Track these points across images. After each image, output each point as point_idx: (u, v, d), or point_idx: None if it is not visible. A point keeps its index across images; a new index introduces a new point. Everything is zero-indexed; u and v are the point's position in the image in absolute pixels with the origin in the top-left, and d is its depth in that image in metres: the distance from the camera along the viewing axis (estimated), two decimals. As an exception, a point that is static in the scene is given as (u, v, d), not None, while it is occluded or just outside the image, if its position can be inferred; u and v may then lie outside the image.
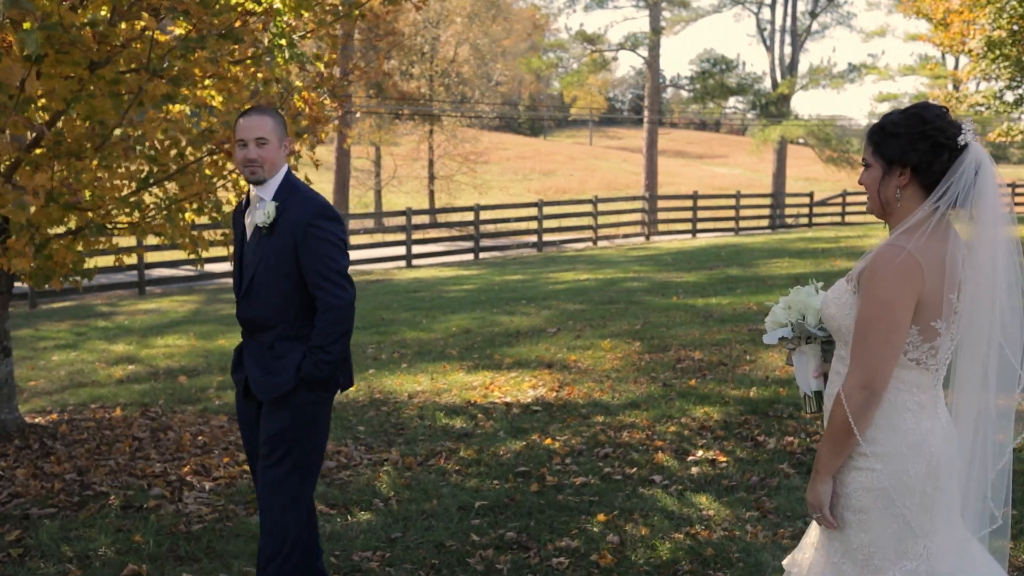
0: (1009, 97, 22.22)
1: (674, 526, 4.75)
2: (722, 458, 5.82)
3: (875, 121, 2.64)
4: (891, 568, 2.54)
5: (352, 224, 28.93)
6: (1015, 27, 20.09)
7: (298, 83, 7.09)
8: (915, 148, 2.52)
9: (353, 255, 17.50)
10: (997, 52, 20.67)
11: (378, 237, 26.31)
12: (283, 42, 7.14)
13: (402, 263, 23.21)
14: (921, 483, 2.51)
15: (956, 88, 29.65)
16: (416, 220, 26.67)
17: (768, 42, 50.36)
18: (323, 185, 40.99)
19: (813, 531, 2.75)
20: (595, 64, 47.09)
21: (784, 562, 2.86)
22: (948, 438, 2.57)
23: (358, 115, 30.79)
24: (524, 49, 63.62)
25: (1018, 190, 35.83)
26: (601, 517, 4.87)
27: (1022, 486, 5.06)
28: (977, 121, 35.41)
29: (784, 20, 48.72)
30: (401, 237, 23.89)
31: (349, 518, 5.05)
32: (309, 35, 7.52)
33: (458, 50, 46.60)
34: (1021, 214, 32.61)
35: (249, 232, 3.80)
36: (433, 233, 28.25)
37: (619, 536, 4.63)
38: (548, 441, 6.31)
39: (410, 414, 7.33)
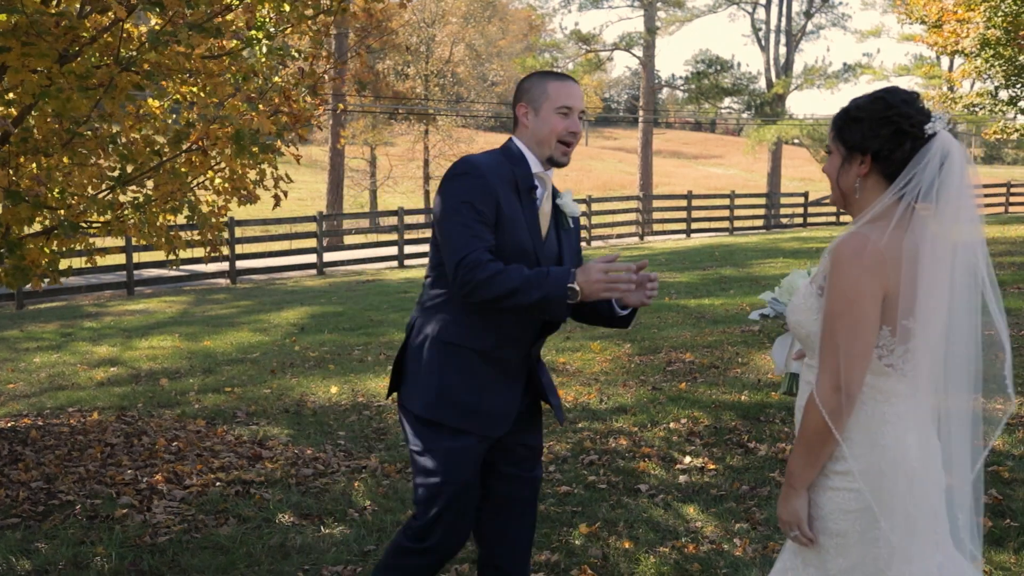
0: (1004, 95, 22.06)
1: (659, 539, 4.56)
2: (711, 465, 5.64)
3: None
4: None
5: (346, 224, 28.72)
6: (1009, 26, 19.94)
7: (276, 79, 6.88)
8: (876, 134, 2.33)
9: (346, 255, 17.54)
10: (991, 51, 20.51)
11: (372, 237, 26.12)
12: (262, 36, 6.95)
13: (394, 263, 23.02)
14: (903, 502, 2.31)
15: (951, 89, 29.53)
16: (410, 220, 26.45)
17: (763, 42, 50.24)
18: (317, 185, 41.06)
19: (787, 554, 2.56)
20: (590, 64, 46.95)
21: None
22: (931, 451, 2.36)
23: (342, 114, 30.49)
24: (520, 49, 63.43)
25: (1014, 189, 35.76)
26: (583, 529, 4.68)
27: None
28: (972, 121, 35.38)
29: (779, 20, 48.63)
30: (393, 237, 23.71)
31: (322, 529, 4.85)
32: (290, 30, 7.32)
33: (454, 50, 46.46)
34: (1016, 213, 32.57)
35: (545, 223, 3.20)
36: (427, 233, 28.02)
37: (602, 550, 4.43)
38: (532, 447, 6.12)
39: (393, 419, 7.14)
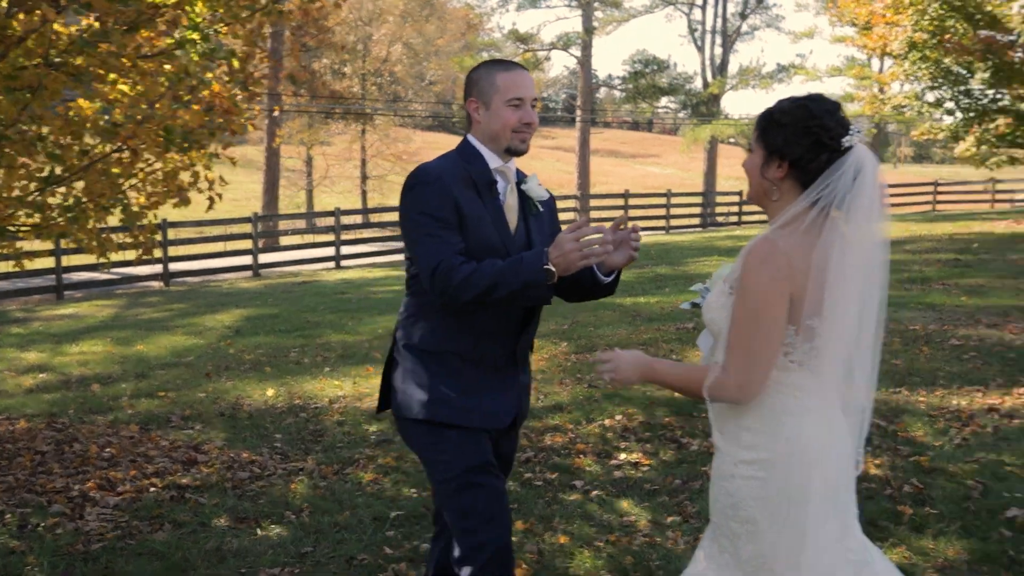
0: (930, 97, 22.66)
1: (594, 533, 4.65)
2: (645, 461, 5.74)
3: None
4: None
5: (282, 224, 28.45)
6: (935, 30, 20.50)
7: (208, 75, 6.83)
8: (797, 143, 2.43)
9: (282, 256, 17.32)
10: (918, 54, 21.05)
11: (309, 238, 25.93)
12: (196, 36, 6.89)
13: (331, 264, 22.88)
14: (808, 490, 2.41)
15: (881, 91, 30.25)
16: (347, 220, 26.31)
17: (699, 43, 50.84)
18: (252, 185, 40.56)
19: (706, 542, 2.64)
20: (528, 64, 47.08)
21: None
22: (838, 442, 2.47)
23: (278, 113, 30.20)
24: (458, 48, 63.33)
25: (941, 188, 36.74)
26: (519, 525, 4.74)
27: (942, 485, 5.08)
28: (902, 121, 36.23)
29: (714, 21, 49.24)
30: (330, 238, 23.56)
31: (259, 532, 4.84)
32: (225, 30, 7.26)
33: (391, 49, 46.25)
34: (943, 211, 33.46)
35: (513, 215, 3.12)
36: (364, 233, 27.89)
37: (537, 545, 4.50)
38: (469, 447, 6.17)
39: (330, 420, 7.13)
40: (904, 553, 4.24)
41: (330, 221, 24.35)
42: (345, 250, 23.31)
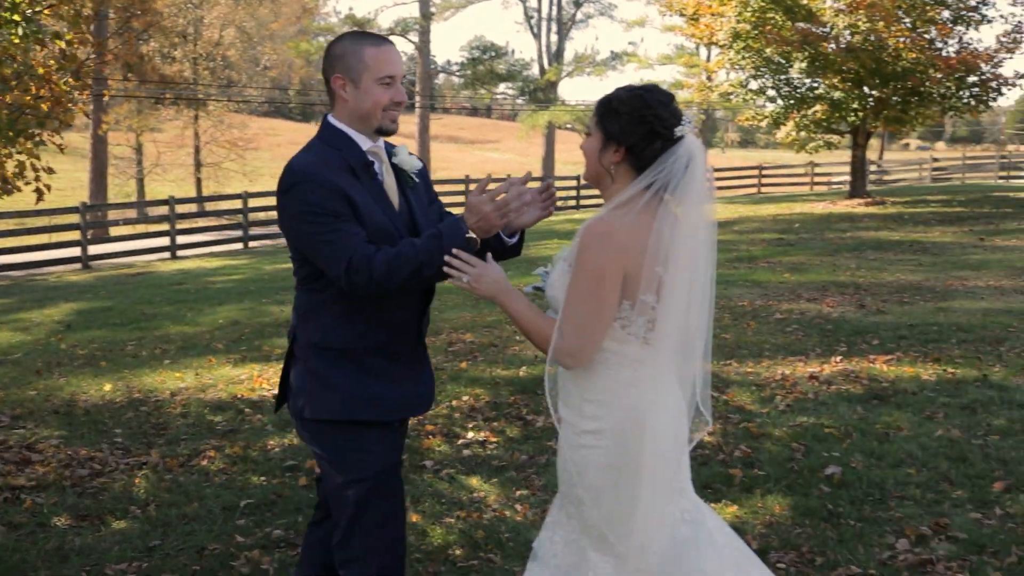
0: (754, 85, 23.81)
1: (445, 510, 4.76)
2: (492, 439, 5.89)
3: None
4: (626, 542, 2.60)
5: (112, 215, 27.26)
6: (757, 21, 21.55)
7: (34, 61, 6.54)
8: (633, 131, 2.57)
9: (114, 247, 16.66)
10: (742, 43, 22.08)
11: (140, 228, 24.98)
12: (17, 17, 6.57)
13: (166, 254, 22.12)
14: (647, 456, 2.56)
15: (709, 78, 31.51)
16: (182, 209, 25.44)
17: (535, 30, 51.48)
18: (78, 174, 38.60)
19: (555, 510, 2.79)
20: (365, 49, 46.59)
21: (534, 544, 2.88)
22: (673, 412, 2.63)
23: (107, 99, 28.88)
24: (293, 32, 61.94)
25: (765, 172, 38.61)
26: (372, 507, 4.80)
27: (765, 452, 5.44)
28: (728, 108, 37.83)
29: (550, 9, 49.99)
30: (164, 227, 22.77)
31: (102, 528, 4.72)
32: (47, 11, 6.95)
33: (223, 33, 44.83)
34: (768, 194, 35.18)
35: (393, 194, 2.98)
36: (201, 222, 27.00)
37: (390, 525, 4.58)
38: (318, 433, 6.16)
39: (172, 413, 6.96)
40: (736, 512, 4.54)
41: (164, 210, 23.51)
42: (181, 240, 22.58)
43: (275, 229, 26.40)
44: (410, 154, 3.05)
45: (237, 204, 27.93)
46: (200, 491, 5.20)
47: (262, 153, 53.52)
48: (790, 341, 8.23)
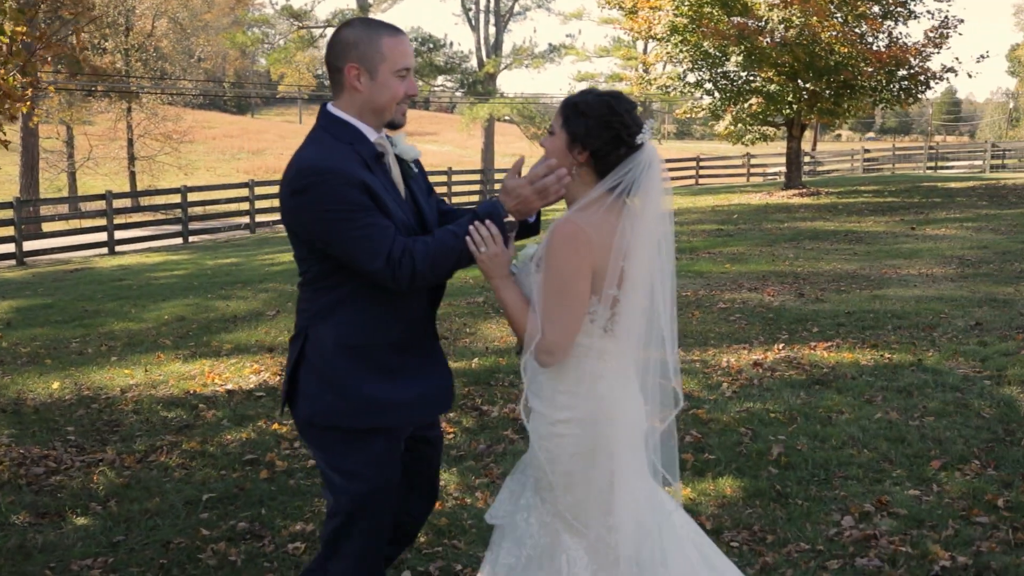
0: (691, 79, 24.17)
1: (407, 500, 4.85)
2: (450, 429, 5.99)
3: (573, 93, 2.83)
4: (596, 524, 2.75)
5: (44, 210, 26.65)
6: (694, 15, 21.88)
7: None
8: (599, 135, 2.69)
9: (48, 243, 16.24)
10: (679, 37, 22.40)
11: (75, 223, 24.50)
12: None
13: (104, 250, 21.76)
14: (615, 443, 2.71)
15: (646, 71, 31.88)
16: (117, 204, 25.03)
17: (473, 22, 51.40)
18: (8, 168, 37.76)
19: (528, 493, 2.91)
20: (303, 41, 46.21)
21: (488, 516, 3.00)
22: (636, 401, 2.78)
23: (38, 90, 28.25)
24: (227, 24, 61.06)
25: (703, 163, 39.16)
26: (335, 498, 4.88)
27: (717, 434, 5.63)
28: (665, 100, 38.26)
29: (488, 1, 49.94)
30: (100, 222, 22.40)
31: (64, 525, 4.73)
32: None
33: (156, 23, 44.07)
34: (706, 185, 35.70)
35: (400, 184, 2.91)
36: (136, 217, 26.62)
37: (354, 515, 4.67)
38: (275, 426, 6.21)
39: (124, 410, 6.94)
40: (689, 495, 4.71)
41: (100, 205, 23.13)
42: (119, 235, 22.23)
43: (215, 224, 26.15)
44: (407, 143, 2.96)
45: (173, 198, 27.57)
46: (160, 486, 5.22)
47: (197, 146, 52.82)
48: (734, 330, 8.47)
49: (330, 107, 2.87)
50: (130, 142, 42.28)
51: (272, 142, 61.48)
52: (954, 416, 5.77)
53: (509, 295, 2.75)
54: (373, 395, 2.83)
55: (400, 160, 2.95)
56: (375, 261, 2.68)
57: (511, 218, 2.81)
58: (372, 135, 2.85)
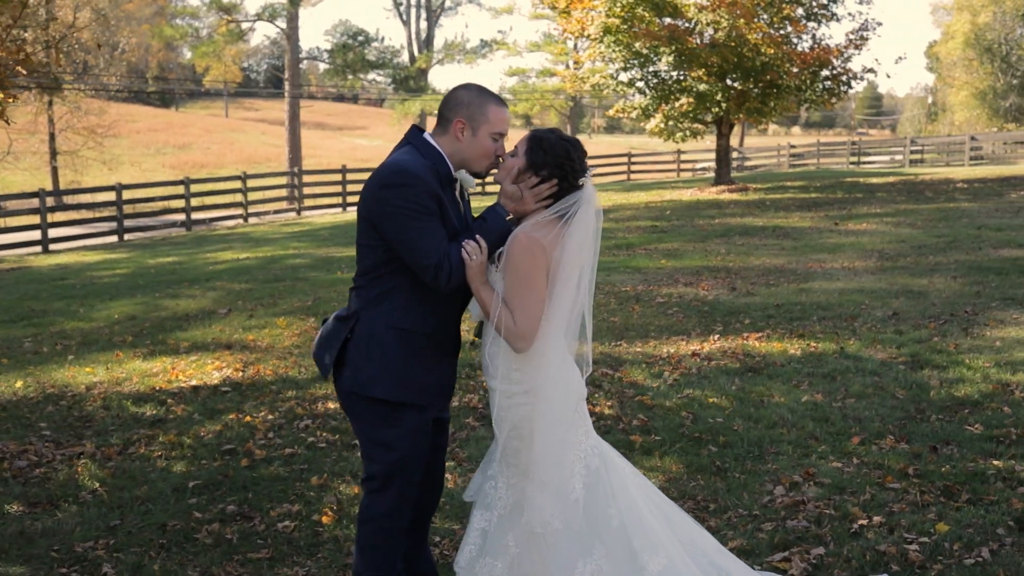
0: (623, 77, 24.83)
1: (382, 482, 5.26)
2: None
3: (535, 127, 3.42)
4: (555, 475, 3.28)
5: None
6: (626, 15, 22.49)
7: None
8: (552, 171, 3.32)
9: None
10: (612, 38, 23.01)
11: (0, 222, 24.17)
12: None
13: (37, 248, 21.58)
14: (565, 409, 3.30)
15: (577, 68, 32.48)
16: (51, 202, 24.74)
17: (404, 17, 51.52)
18: (-74, 165, 36.60)
19: (494, 463, 3.44)
20: (232, 35, 45.84)
21: (465, 495, 3.56)
22: (573, 371, 3.37)
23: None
24: (149, 15, 60.16)
25: (634, 159, 39.97)
26: (315, 481, 5.28)
27: (662, 417, 6.14)
28: (596, 97, 38.94)
29: (419, -4, 50.05)
30: (28, 221, 22.17)
31: (58, 513, 5.03)
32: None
33: (78, 15, 43.27)
34: (637, 181, 36.45)
35: (459, 206, 3.47)
36: (61, 216, 26.26)
37: (335, 496, 5.07)
38: (247, 419, 6.56)
39: (93, 406, 7.20)
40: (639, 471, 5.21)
41: (28, 203, 22.90)
42: (52, 233, 22.06)
43: (150, 221, 26.05)
44: (467, 175, 3.47)
45: (105, 196, 27.35)
46: (145, 475, 5.55)
47: (121, 140, 51.82)
48: (672, 322, 9.03)
49: (426, 134, 3.43)
50: (52, 136, 41.44)
51: (198, 136, 60.64)
52: (872, 398, 6.38)
53: (487, 294, 3.30)
54: (409, 373, 3.34)
55: (460, 187, 3.51)
56: (427, 259, 3.22)
57: (511, 217, 3.35)
58: (452, 166, 3.41)
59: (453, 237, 3.33)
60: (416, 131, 3.46)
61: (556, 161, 3.29)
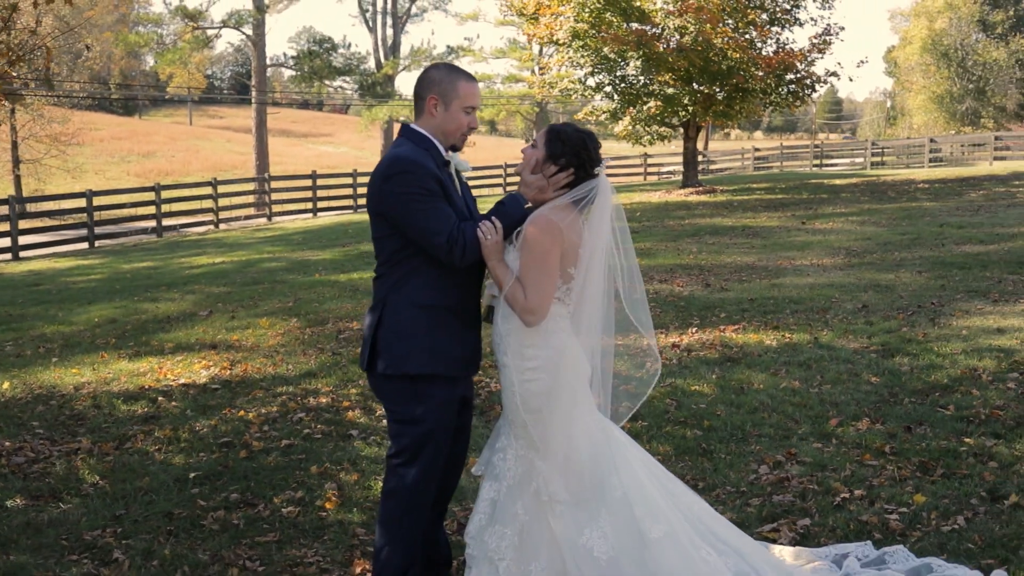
0: (591, 82, 25.11)
1: (380, 468, 5.40)
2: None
3: (557, 121, 3.60)
4: (561, 447, 3.48)
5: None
6: (594, 21, 22.77)
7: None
8: (570, 161, 3.53)
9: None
10: (580, 43, 23.29)
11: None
12: None
13: (7, 255, 21.44)
14: (571, 383, 3.50)
15: (543, 73, 32.72)
16: (6, 209, 24.52)
17: (370, 24, 51.54)
18: None
19: (503, 437, 3.63)
20: (197, 41, 45.67)
21: (474, 469, 3.76)
22: (580, 350, 3.57)
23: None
24: (112, 22, 59.69)
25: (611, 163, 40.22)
26: (314, 469, 5.42)
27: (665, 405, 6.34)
28: (563, 102, 39.19)
29: (385, 2, 50.16)
30: (5, 228, 22.02)
31: (62, 505, 5.13)
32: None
33: (40, 22, 42.81)
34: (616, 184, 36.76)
35: (456, 188, 3.65)
36: (26, 223, 25.88)
37: (336, 482, 5.22)
38: (241, 413, 6.68)
39: (84, 405, 7.28)
40: (628, 455, 5.41)
41: (2, 210, 22.74)
42: (24, 240, 21.92)
43: (120, 228, 25.95)
44: (461, 158, 3.71)
45: (75, 203, 27.18)
46: (145, 468, 5.66)
47: (85, 149, 51.34)
48: (651, 316, 9.22)
49: (412, 125, 3.64)
50: (14, 144, 41.01)
51: (162, 144, 60.16)
52: (847, 383, 6.63)
53: (503, 271, 3.49)
54: (437, 346, 3.53)
55: (456, 170, 3.74)
56: (438, 237, 3.42)
57: (529, 204, 3.56)
58: (442, 149, 3.63)
59: (459, 216, 3.53)
60: (406, 127, 3.65)
61: (573, 150, 3.50)
